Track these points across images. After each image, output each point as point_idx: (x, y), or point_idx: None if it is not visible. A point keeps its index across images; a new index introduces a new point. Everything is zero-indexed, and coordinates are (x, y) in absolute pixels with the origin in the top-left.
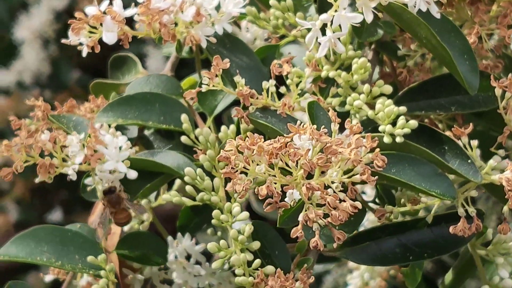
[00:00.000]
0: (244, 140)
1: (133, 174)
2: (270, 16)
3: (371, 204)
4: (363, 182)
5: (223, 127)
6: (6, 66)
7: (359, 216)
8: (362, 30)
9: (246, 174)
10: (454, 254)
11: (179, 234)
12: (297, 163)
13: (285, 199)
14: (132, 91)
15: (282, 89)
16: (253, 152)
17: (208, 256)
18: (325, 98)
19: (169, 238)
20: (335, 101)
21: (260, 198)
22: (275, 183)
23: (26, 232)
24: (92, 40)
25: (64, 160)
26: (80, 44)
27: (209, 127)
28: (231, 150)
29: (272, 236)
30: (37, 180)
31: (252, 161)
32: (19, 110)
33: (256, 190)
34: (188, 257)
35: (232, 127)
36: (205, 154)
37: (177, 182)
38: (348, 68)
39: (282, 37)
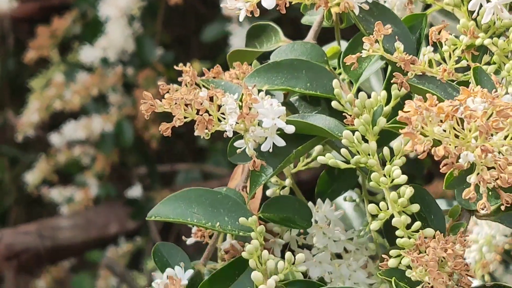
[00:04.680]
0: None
1: (291, 129)
2: None
3: None
4: None
5: (373, 93)
6: (91, 42)
7: None
8: None
9: (423, 135)
10: None
11: (318, 200)
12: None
13: (459, 160)
14: (277, 58)
15: (437, 56)
16: (430, 113)
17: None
18: None
19: (309, 203)
20: (490, 68)
21: (436, 158)
22: (449, 145)
23: (177, 194)
24: (251, 5)
25: (218, 119)
26: (239, 9)
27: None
28: (410, 111)
29: (428, 200)
30: (195, 133)
31: (430, 122)
32: (102, 86)
33: (433, 151)
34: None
35: (383, 92)
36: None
37: (317, 148)
38: (499, 36)
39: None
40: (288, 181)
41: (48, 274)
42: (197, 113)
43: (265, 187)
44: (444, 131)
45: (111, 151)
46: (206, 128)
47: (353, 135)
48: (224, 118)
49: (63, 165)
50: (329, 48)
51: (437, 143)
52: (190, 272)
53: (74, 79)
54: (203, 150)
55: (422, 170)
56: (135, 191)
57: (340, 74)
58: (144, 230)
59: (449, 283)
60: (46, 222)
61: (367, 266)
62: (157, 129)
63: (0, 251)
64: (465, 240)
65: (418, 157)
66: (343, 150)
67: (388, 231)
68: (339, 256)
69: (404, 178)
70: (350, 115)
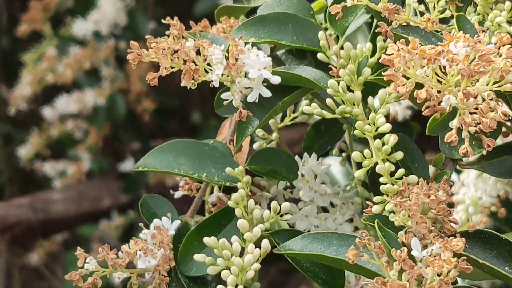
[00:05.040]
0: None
1: (277, 79)
2: None
3: None
4: None
5: (358, 45)
6: (84, 16)
7: (497, 129)
8: None
9: (406, 77)
10: None
11: (305, 154)
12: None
13: (441, 104)
14: (264, 12)
15: (421, 8)
16: (413, 56)
17: None
18: None
19: (296, 157)
20: (474, 18)
21: (418, 101)
22: (432, 88)
23: (163, 145)
24: None
25: (205, 70)
26: None
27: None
28: (393, 53)
29: (412, 149)
30: (182, 85)
31: (413, 66)
32: (95, 60)
33: (415, 93)
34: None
35: (369, 44)
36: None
37: (303, 103)
38: None
39: None
40: (274, 135)
41: (41, 248)
42: (184, 64)
43: (252, 142)
44: (427, 75)
45: (104, 124)
46: (193, 78)
47: (339, 85)
48: (211, 69)
49: (55, 139)
50: (316, 3)
51: (419, 88)
52: (177, 222)
53: (67, 53)
54: (196, 127)
55: (411, 134)
56: (128, 165)
57: (326, 29)
58: (137, 204)
59: (432, 228)
60: (39, 196)
61: (353, 221)
62: (149, 102)
63: None
64: (448, 187)
65: (401, 99)
66: (328, 100)
67: (373, 184)
68: (325, 210)
69: (388, 126)
70: (336, 67)
